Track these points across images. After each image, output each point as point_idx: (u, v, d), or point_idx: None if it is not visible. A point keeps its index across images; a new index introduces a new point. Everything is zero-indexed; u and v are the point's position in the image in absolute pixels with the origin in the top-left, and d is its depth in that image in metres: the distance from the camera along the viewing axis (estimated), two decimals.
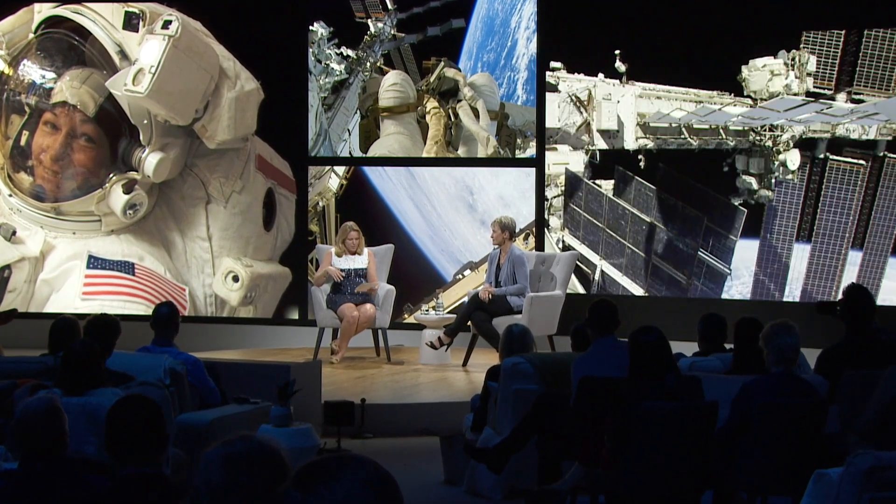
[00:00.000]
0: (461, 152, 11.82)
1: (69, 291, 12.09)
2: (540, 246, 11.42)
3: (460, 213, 12.08)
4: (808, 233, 11.06)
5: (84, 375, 5.35)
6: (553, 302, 10.43)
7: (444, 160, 11.86)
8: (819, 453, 5.45)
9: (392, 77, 11.92)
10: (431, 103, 11.80)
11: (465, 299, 10.70)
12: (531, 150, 11.56)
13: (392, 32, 12.00)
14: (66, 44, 12.08)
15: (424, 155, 11.87)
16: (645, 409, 5.46)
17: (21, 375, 6.09)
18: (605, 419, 5.62)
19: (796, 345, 5.75)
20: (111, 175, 12.01)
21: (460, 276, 11.97)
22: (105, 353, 6.00)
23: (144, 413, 3.80)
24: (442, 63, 11.83)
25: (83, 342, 5.74)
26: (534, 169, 11.53)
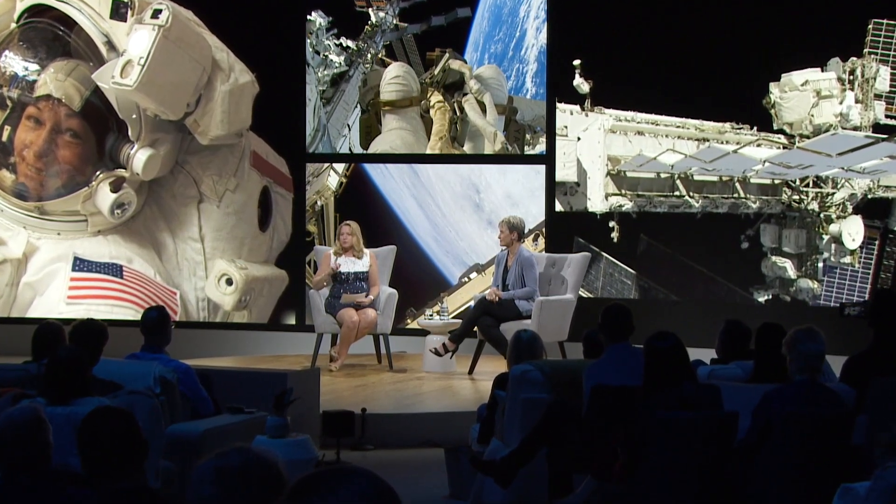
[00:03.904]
0: (467, 148, 11.82)
1: (53, 295, 12.10)
2: (550, 247, 11.40)
3: (466, 213, 12.08)
4: None
5: (69, 384, 5.35)
6: (564, 306, 10.43)
7: (449, 157, 11.86)
8: (845, 466, 5.45)
9: (394, 69, 11.93)
10: (436, 97, 11.80)
11: (472, 303, 10.70)
12: (541, 147, 11.54)
13: (394, 22, 12.01)
14: (50, 34, 12.09)
15: (428, 151, 11.88)
16: (661, 420, 5.46)
17: (3, 384, 6.10)
18: (618, 430, 5.62)
19: (821, 352, 5.74)
20: (98, 172, 12.01)
21: (466, 279, 11.97)
22: (91, 361, 6.01)
23: (116, 425, 3.83)
24: (447, 55, 11.84)
25: (68, 349, 5.75)
26: (543, 166, 11.50)
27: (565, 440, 6.20)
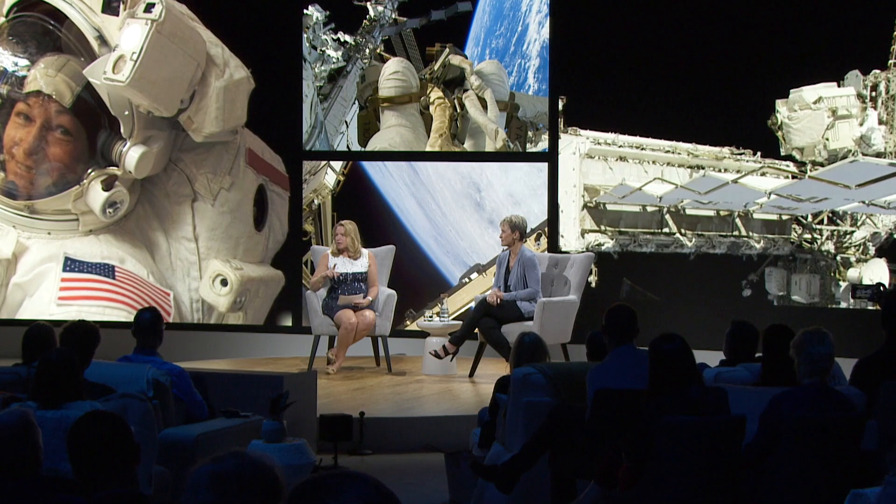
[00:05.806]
0: (468, 146, 11.82)
1: (44, 296, 12.10)
2: (553, 247, 11.39)
3: (467, 212, 12.08)
4: None
5: (60, 387, 5.35)
6: (567, 308, 10.42)
7: (450, 154, 11.86)
8: (855, 471, 5.44)
9: (393, 65, 11.92)
10: (436, 93, 11.80)
11: (472, 305, 10.70)
12: (543, 144, 11.54)
13: (393, 16, 12.00)
14: (40, 28, 12.09)
15: (428, 149, 11.88)
16: (666, 424, 5.46)
17: None
18: (623, 434, 5.62)
19: (830, 354, 5.74)
20: (89, 170, 12.01)
21: (467, 280, 11.97)
22: (83, 363, 6.01)
23: (107, 429, 3.84)
24: (447, 50, 11.83)
25: (59, 351, 5.75)
26: (546, 164, 11.49)
27: (568, 445, 6.20)
